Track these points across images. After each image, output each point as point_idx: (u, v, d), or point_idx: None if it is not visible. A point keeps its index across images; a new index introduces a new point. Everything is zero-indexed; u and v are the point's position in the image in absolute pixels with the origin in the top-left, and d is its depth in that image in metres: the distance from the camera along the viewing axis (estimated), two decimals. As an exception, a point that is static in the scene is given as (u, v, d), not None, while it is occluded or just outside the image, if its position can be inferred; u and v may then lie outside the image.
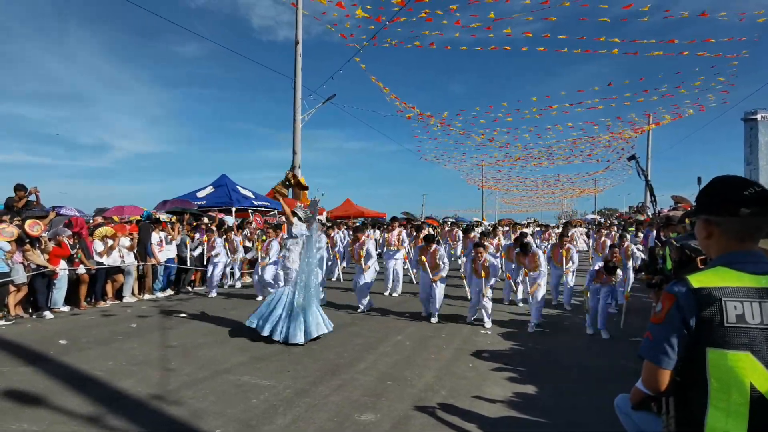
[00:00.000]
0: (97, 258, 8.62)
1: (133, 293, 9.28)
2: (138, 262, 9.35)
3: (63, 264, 7.98)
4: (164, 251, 9.84)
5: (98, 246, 8.74)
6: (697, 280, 1.40)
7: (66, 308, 8.04)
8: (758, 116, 71.94)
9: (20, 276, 7.35)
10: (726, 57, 14.16)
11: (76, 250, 8.28)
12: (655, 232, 9.47)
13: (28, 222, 7.66)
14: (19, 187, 8.79)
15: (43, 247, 7.71)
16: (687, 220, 5.86)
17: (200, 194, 15.04)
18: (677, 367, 1.45)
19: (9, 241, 7.22)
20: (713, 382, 1.36)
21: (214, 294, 9.74)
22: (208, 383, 4.53)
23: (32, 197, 8.98)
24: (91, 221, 10.22)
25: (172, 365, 5.07)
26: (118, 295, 9.09)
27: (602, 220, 22.39)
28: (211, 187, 15.54)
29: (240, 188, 15.70)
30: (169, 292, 10.05)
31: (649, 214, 9.20)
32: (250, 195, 15.64)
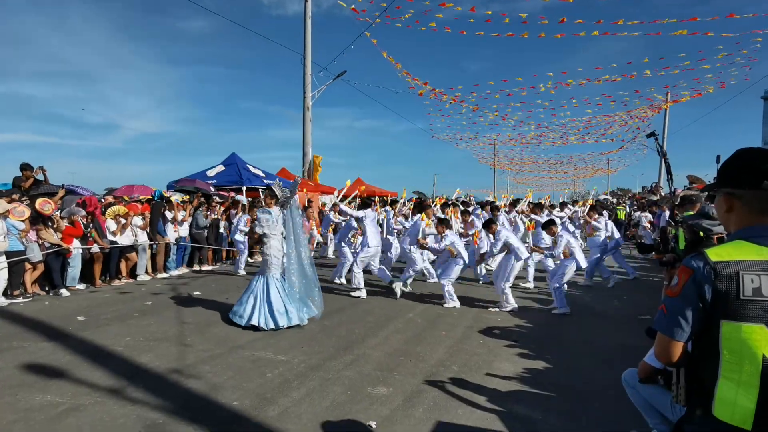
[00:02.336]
0: (110, 237, 8.74)
1: (146, 271, 9.43)
2: (150, 240, 9.47)
3: (76, 242, 8.11)
4: (177, 230, 9.96)
5: (111, 225, 8.84)
6: (715, 254, 1.40)
7: (82, 286, 8.21)
8: (778, 94, 69.68)
9: (36, 254, 7.48)
10: (750, 33, 13.66)
11: (89, 229, 8.41)
12: (668, 212, 9.39)
13: (39, 201, 7.74)
14: (24, 167, 8.83)
15: (56, 225, 7.82)
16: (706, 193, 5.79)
17: (210, 173, 15.03)
18: (690, 339, 1.46)
19: (23, 220, 7.33)
20: (725, 354, 1.37)
21: (242, 272, 10.06)
22: (224, 358, 4.64)
23: (40, 176, 9.03)
24: (103, 200, 10.32)
25: (189, 341, 5.19)
26: (132, 273, 9.24)
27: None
28: (221, 165, 15.53)
29: (250, 167, 15.67)
30: (183, 270, 10.21)
31: (663, 193, 9.09)
32: (261, 174, 15.63)
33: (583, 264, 7.34)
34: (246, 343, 5.13)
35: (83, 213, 8.40)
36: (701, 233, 4.96)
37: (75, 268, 8.10)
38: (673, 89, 20.70)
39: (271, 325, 5.58)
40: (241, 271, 10.08)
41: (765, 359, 1.32)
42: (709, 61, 15.02)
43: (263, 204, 6.03)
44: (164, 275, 9.64)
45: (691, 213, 5.09)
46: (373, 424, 3.32)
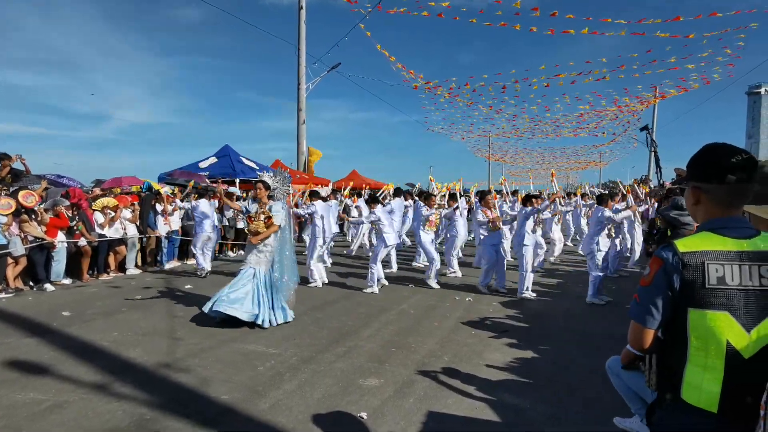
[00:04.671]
0: (98, 230, 8.59)
1: (136, 265, 9.31)
2: (139, 234, 9.34)
3: (61, 236, 7.95)
4: (168, 222, 9.82)
5: (99, 217, 8.70)
6: (683, 245, 1.47)
7: (67, 281, 8.07)
8: (762, 90, 70.53)
9: (18, 248, 7.30)
10: (734, 30, 13.72)
11: (76, 222, 8.24)
12: (656, 203, 9.47)
13: (22, 193, 7.55)
14: (1, 156, 8.60)
15: (39, 218, 7.65)
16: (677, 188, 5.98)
17: (203, 164, 14.73)
18: (661, 326, 1.53)
19: (6, 214, 7.14)
20: (693, 341, 1.45)
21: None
22: (215, 352, 4.58)
23: (18, 165, 8.77)
24: (90, 192, 10.13)
25: (179, 335, 5.12)
26: (121, 267, 9.11)
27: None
28: (213, 157, 15.26)
29: (244, 159, 15.42)
30: (175, 263, 10.09)
31: (652, 185, 9.14)
32: (254, 166, 15.39)
33: (391, 241, 7.62)
34: (238, 337, 5.07)
35: (67, 203, 8.23)
36: (667, 222, 5.14)
37: (60, 263, 7.95)
38: (660, 86, 20.90)
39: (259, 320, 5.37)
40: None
41: (729, 345, 1.39)
42: (693, 59, 15.19)
43: (256, 195, 5.89)
44: (154, 269, 9.52)
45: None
46: (364, 415, 3.30)
